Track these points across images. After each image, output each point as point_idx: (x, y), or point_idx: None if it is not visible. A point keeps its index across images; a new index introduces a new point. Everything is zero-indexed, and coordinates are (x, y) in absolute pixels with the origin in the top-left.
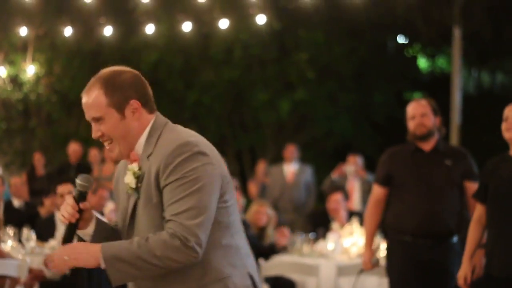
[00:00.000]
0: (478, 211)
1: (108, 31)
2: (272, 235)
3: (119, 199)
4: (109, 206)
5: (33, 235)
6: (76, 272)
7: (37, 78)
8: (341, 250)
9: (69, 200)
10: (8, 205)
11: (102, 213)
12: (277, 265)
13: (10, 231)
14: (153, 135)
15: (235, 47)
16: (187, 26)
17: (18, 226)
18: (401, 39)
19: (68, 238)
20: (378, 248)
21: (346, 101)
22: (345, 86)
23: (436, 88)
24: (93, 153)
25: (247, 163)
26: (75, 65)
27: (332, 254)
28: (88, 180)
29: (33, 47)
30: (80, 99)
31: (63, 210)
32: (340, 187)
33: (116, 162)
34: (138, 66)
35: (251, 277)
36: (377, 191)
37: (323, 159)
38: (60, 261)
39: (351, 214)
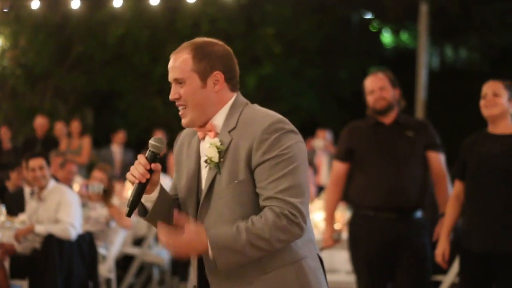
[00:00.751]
0: (456, 188)
1: (75, 4)
2: None
3: (183, 171)
4: (78, 181)
5: (3, 209)
6: (47, 246)
7: (2, 51)
8: (311, 224)
9: (141, 159)
10: None
11: (70, 187)
12: None
13: None
14: (234, 112)
15: (202, 21)
16: (154, 0)
17: None
18: (367, 14)
19: (136, 199)
20: (340, 223)
21: (312, 76)
22: (311, 61)
23: (400, 64)
24: (59, 127)
25: None
26: (40, 39)
27: None
28: (161, 141)
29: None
30: (45, 73)
31: (133, 170)
32: (309, 162)
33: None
34: (104, 39)
35: (320, 259)
36: (338, 167)
37: None
38: (173, 249)
39: (320, 189)
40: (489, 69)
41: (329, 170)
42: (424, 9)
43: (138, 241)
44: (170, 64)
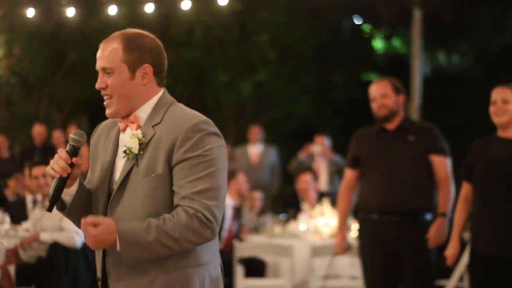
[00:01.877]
0: (464, 190)
1: (70, 12)
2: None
3: (97, 163)
4: None
5: (6, 218)
6: (53, 253)
7: None
8: (313, 230)
9: (62, 153)
10: None
11: None
12: (250, 246)
13: None
14: (160, 107)
15: (196, 28)
16: (149, 7)
17: None
18: (358, 20)
19: (57, 194)
20: (350, 230)
21: (307, 83)
22: (306, 68)
23: (392, 69)
24: (57, 135)
25: None
26: (34, 47)
27: (304, 235)
28: (82, 135)
29: None
30: (40, 81)
31: (54, 164)
32: (308, 168)
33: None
34: (98, 47)
35: (222, 268)
36: (347, 174)
37: (285, 141)
38: (86, 235)
39: (321, 195)
40: (482, 73)
41: (328, 176)
42: (417, 14)
43: None
44: (99, 53)
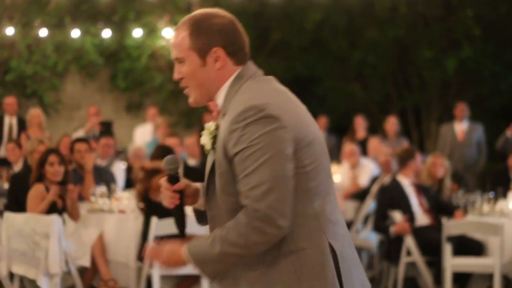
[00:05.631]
0: None
1: None
2: (449, 187)
3: None
4: None
5: None
6: None
7: None
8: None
9: (163, 184)
10: (184, 164)
11: None
12: (459, 225)
13: None
14: (232, 90)
15: (400, 5)
16: None
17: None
18: None
19: (180, 222)
20: None
21: None
22: (511, 43)
23: None
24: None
25: (412, 122)
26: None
27: None
28: (172, 161)
29: (198, 8)
30: None
31: (163, 196)
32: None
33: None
34: (302, 25)
35: (333, 249)
36: None
37: (490, 118)
38: (156, 262)
39: None
40: None
41: None
42: None
43: (347, 226)
44: (171, 41)
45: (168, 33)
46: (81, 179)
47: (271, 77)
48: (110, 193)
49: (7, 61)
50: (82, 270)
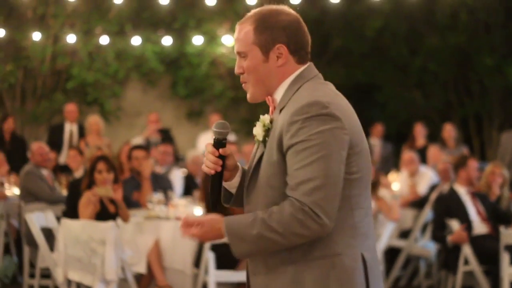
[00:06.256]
0: None
1: None
2: (508, 197)
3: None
4: None
5: None
6: None
7: None
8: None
9: (208, 148)
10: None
11: None
12: None
13: None
14: (292, 87)
15: (461, 11)
16: None
17: None
18: None
19: (214, 192)
20: None
21: None
22: None
23: None
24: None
25: (473, 130)
26: None
27: None
28: (223, 126)
29: None
30: None
31: (205, 161)
32: None
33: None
34: (362, 32)
35: (364, 260)
36: None
37: None
38: (188, 234)
39: None
40: None
41: None
42: None
43: (404, 234)
44: (235, 35)
45: (228, 41)
46: (139, 186)
47: (329, 83)
48: (167, 200)
49: (68, 69)
50: (138, 277)
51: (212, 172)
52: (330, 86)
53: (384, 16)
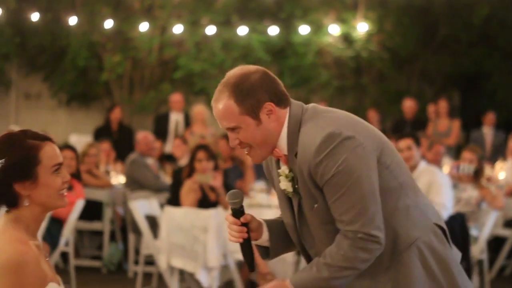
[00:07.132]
0: None
1: None
2: None
3: (276, 188)
4: (447, 162)
5: None
6: None
7: (369, 36)
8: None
9: (229, 219)
10: None
11: (440, 168)
12: None
13: None
14: (293, 131)
15: None
16: None
17: None
18: None
19: (248, 256)
20: None
21: None
22: None
23: None
24: (431, 110)
25: None
26: (405, 22)
27: None
28: (236, 195)
29: (364, 4)
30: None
31: (229, 232)
32: None
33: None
34: (470, 20)
35: (439, 226)
36: None
37: None
38: None
39: None
40: None
41: None
42: None
43: (509, 223)
44: (215, 114)
45: (334, 30)
46: (242, 175)
47: (312, 104)
48: (269, 188)
49: (175, 59)
50: (240, 264)
51: (241, 240)
52: (318, 108)
53: (491, 4)
